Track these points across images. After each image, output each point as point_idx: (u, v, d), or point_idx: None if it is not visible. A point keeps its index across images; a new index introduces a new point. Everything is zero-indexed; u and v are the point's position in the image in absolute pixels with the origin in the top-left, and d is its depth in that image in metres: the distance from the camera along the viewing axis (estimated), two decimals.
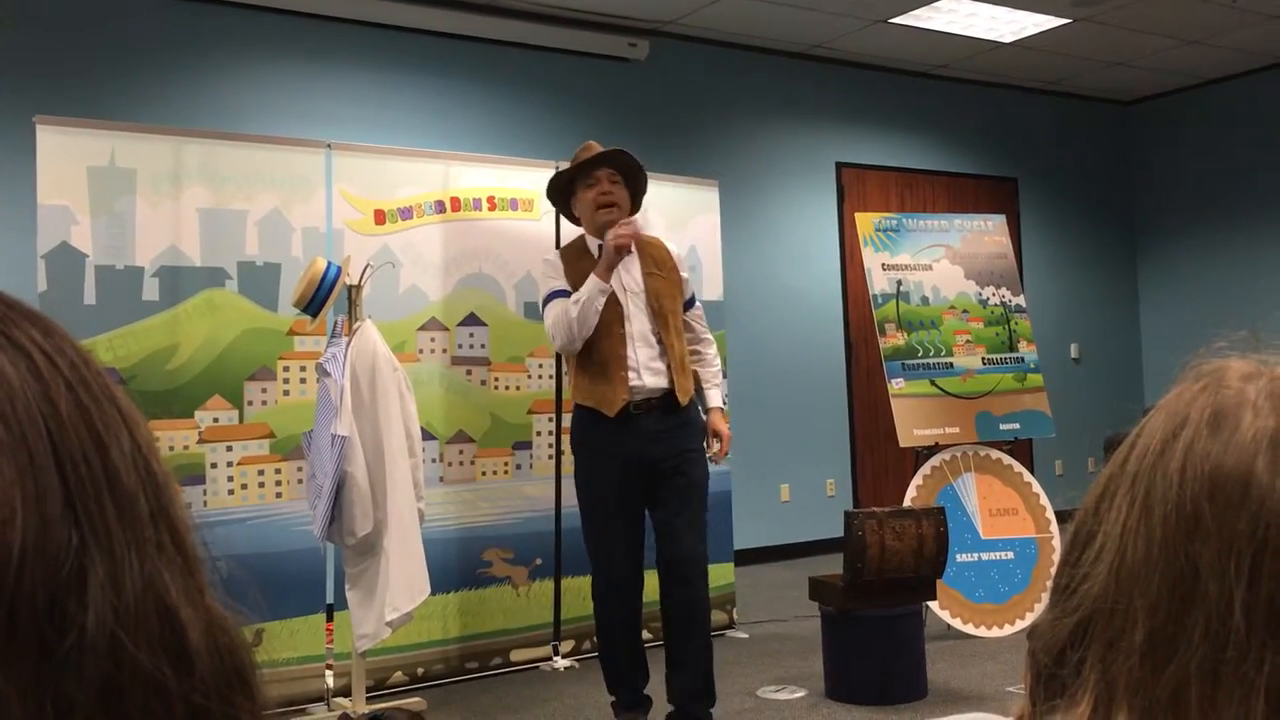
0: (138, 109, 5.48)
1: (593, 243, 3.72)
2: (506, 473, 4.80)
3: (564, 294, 3.63)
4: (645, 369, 3.58)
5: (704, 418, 3.81)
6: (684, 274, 3.82)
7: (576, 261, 3.70)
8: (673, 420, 3.62)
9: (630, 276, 3.67)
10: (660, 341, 3.63)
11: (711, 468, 5.33)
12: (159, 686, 0.43)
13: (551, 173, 4.96)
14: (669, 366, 3.62)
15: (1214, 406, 0.61)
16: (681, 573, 3.61)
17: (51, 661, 0.41)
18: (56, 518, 0.42)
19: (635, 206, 3.80)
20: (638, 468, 3.58)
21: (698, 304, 3.91)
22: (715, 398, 3.85)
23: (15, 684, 0.40)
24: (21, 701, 0.40)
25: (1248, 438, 0.59)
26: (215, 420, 4.15)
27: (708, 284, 5.50)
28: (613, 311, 3.59)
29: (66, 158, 3.99)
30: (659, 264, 3.73)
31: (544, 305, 3.71)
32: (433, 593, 3.92)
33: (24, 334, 0.46)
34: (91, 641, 0.41)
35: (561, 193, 3.84)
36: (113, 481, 0.44)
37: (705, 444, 3.77)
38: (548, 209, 4.97)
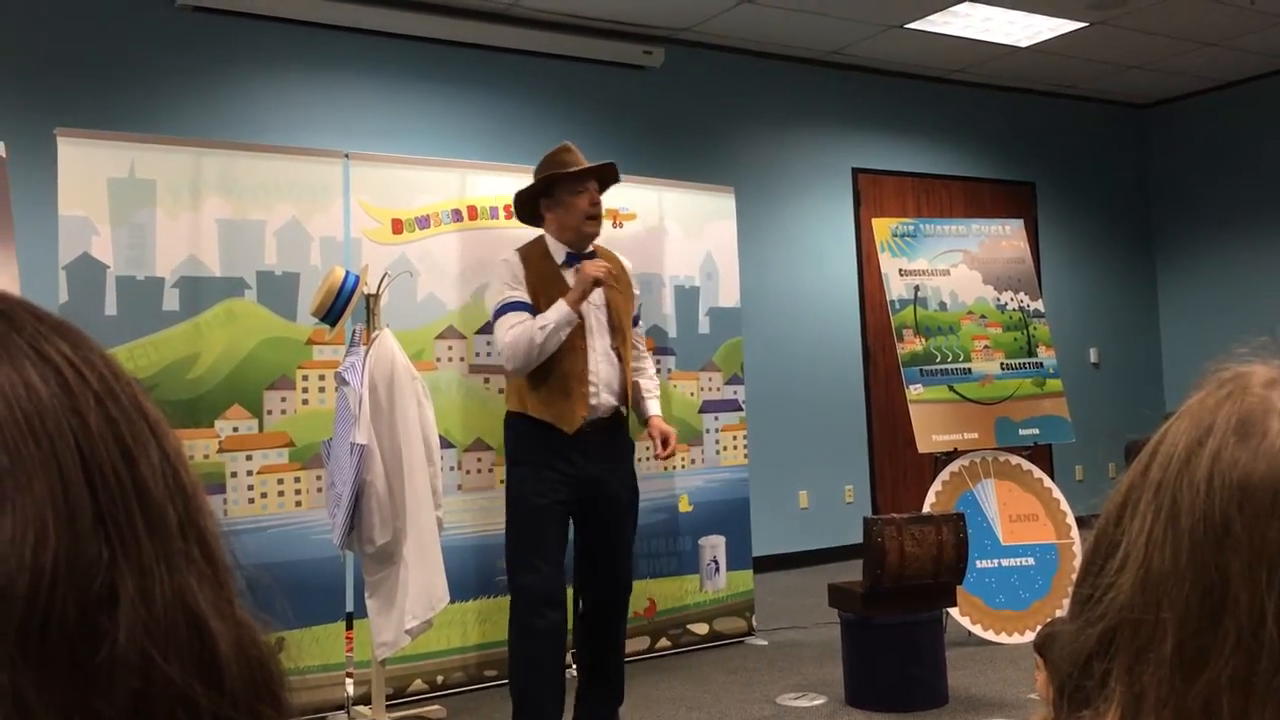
0: (157, 121, 5.52)
1: (559, 249, 3.57)
2: None
3: (522, 306, 3.47)
4: (605, 387, 3.50)
5: (645, 426, 3.73)
6: (635, 290, 3.77)
7: (539, 268, 3.55)
8: (615, 440, 3.57)
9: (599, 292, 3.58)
10: (620, 359, 3.56)
11: (730, 474, 5.37)
12: (188, 701, 0.43)
13: None
14: (623, 385, 3.56)
15: (1240, 414, 0.60)
16: (621, 595, 3.63)
17: (83, 678, 0.41)
18: (87, 534, 0.42)
19: None
20: (579, 485, 3.48)
21: (640, 323, 3.86)
22: (654, 408, 3.75)
23: (47, 701, 0.40)
24: (52, 718, 0.40)
25: (1276, 446, 0.59)
26: (235, 429, 4.17)
27: (725, 290, 5.50)
28: (575, 326, 3.47)
29: (87, 169, 4.02)
30: (616, 278, 3.61)
31: (500, 314, 3.51)
32: (452, 601, 3.92)
33: (53, 347, 0.46)
34: (122, 657, 0.41)
35: (538, 192, 3.64)
36: (142, 494, 0.45)
37: (652, 448, 3.68)
38: None
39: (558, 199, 3.57)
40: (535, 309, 3.46)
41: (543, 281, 3.50)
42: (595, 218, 3.57)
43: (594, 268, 3.45)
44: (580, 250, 3.58)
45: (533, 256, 3.58)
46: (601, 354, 3.51)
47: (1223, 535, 0.58)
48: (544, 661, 3.44)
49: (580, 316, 3.46)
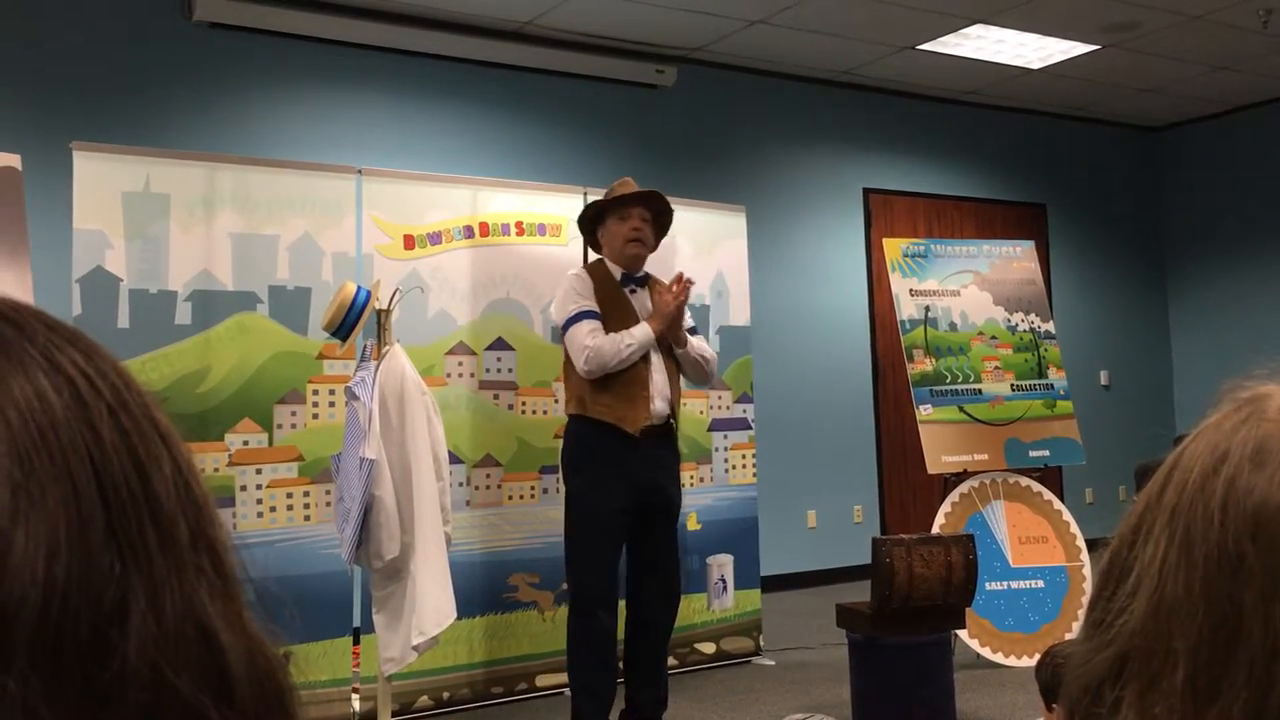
0: (172, 135, 5.55)
1: (615, 270, 3.95)
2: (533, 497, 4.80)
3: (595, 315, 3.79)
4: (659, 395, 3.82)
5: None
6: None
7: (604, 286, 3.90)
8: (668, 448, 3.90)
9: (649, 309, 3.92)
10: (668, 371, 3.88)
11: (739, 493, 5.36)
12: (198, 714, 0.43)
13: (580, 198, 5.02)
14: (673, 395, 3.89)
15: (1256, 440, 0.60)
16: (672, 600, 3.94)
17: (93, 691, 0.41)
18: (99, 547, 0.42)
19: (656, 246, 4.08)
20: (639, 491, 3.78)
21: (698, 332, 4.14)
22: (694, 339, 3.99)
23: (58, 714, 0.40)
24: None
25: None
26: (245, 443, 4.18)
27: (735, 309, 5.50)
28: None
29: (102, 183, 4.04)
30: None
31: (572, 322, 3.81)
32: (459, 617, 3.91)
33: (67, 358, 0.46)
34: (133, 670, 0.41)
35: (591, 219, 4.03)
36: (154, 507, 0.44)
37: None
38: (575, 234, 4.98)
39: (606, 226, 3.95)
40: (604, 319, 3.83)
41: (608, 298, 3.86)
42: (634, 241, 3.90)
43: (673, 299, 3.80)
44: (632, 272, 3.96)
45: (597, 275, 3.94)
46: (656, 365, 3.83)
47: (1236, 566, 0.57)
48: (600, 658, 3.78)
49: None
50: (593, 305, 3.82)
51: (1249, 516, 0.57)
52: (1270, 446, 0.59)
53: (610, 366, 3.72)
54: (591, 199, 5.00)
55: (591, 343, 3.73)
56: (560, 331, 3.89)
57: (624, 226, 3.90)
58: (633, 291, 3.94)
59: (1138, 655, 0.60)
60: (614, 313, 3.84)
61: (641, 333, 3.78)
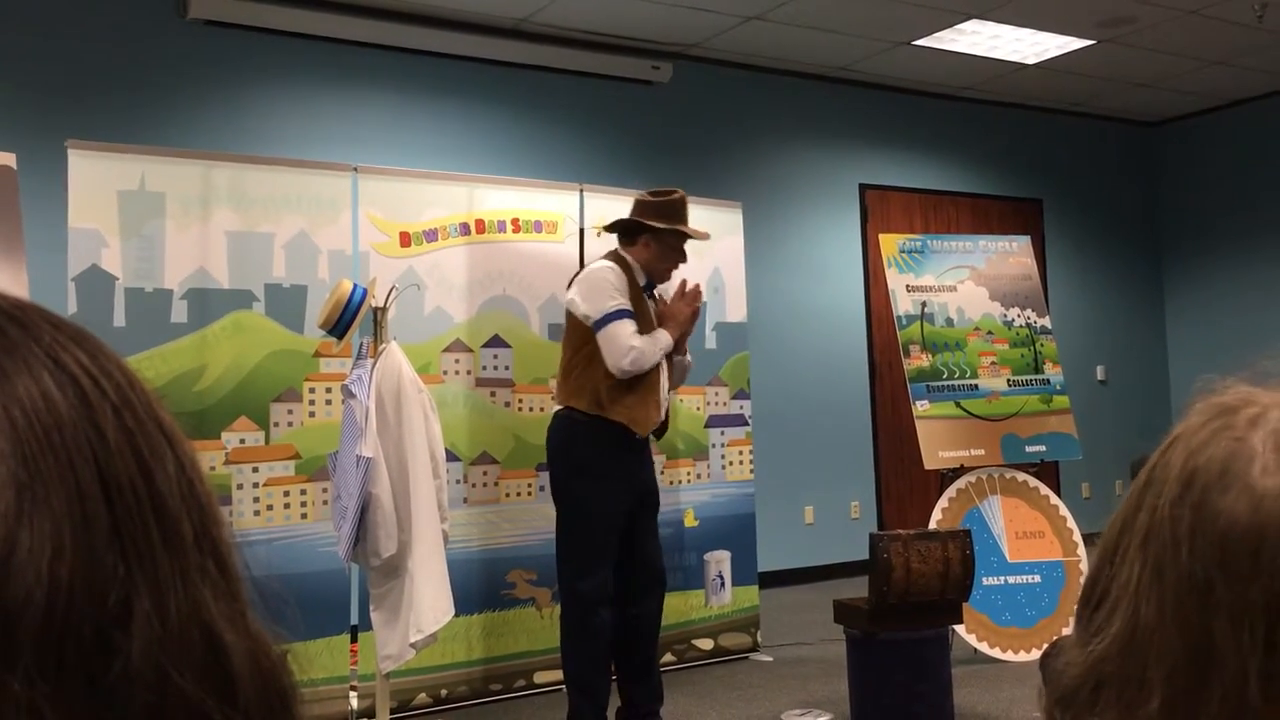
0: (167, 134, 5.54)
1: (641, 275, 3.94)
2: (530, 494, 4.80)
3: (633, 315, 3.77)
4: (664, 399, 3.92)
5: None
6: None
7: (633, 287, 3.90)
8: (649, 448, 4.02)
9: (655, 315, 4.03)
10: (668, 376, 3.97)
11: (736, 489, 5.36)
12: (202, 715, 0.43)
13: (576, 195, 5.03)
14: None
15: (1222, 460, 0.60)
16: (658, 589, 3.98)
17: (98, 692, 0.40)
18: (104, 548, 0.42)
19: None
20: (639, 491, 3.88)
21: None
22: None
23: (63, 715, 0.39)
24: None
25: (1256, 495, 0.58)
26: (242, 441, 4.17)
27: (731, 305, 5.50)
28: None
29: (97, 181, 4.03)
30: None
31: (615, 317, 3.75)
32: (457, 614, 3.92)
33: (71, 357, 0.46)
34: (137, 672, 0.41)
35: (642, 225, 3.93)
36: (158, 507, 0.44)
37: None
38: (571, 231, 4.99)
39: (663, 240, 3.91)
40: None
41: (634, 300, 3.86)
42: (675, 268, 4.00)
43: (688, 307, 3.92)
44: (653, 283, 4.02)
45: (628, 277, 3.90)
46: (663, 369, 3.91)
47: (1206, 594, 0.57)
48: (599, 656, 3.82)
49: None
50: (629, 304, 3.80)
51: (1216, 543, 0.58)
52: (1235, 468, 0.59)
53: (644, 370, 3.77)
54: (590, 196, 5.03)
55: (637, 344, 3.73)
56: (594, 324, 3.73)
57: (675, 254, 3.95)
58: (650, 298, 3.99)
59: (1112, 682, 0.60)
60: (638, 316, 3.84)
61: (665, 339, 3.85)
